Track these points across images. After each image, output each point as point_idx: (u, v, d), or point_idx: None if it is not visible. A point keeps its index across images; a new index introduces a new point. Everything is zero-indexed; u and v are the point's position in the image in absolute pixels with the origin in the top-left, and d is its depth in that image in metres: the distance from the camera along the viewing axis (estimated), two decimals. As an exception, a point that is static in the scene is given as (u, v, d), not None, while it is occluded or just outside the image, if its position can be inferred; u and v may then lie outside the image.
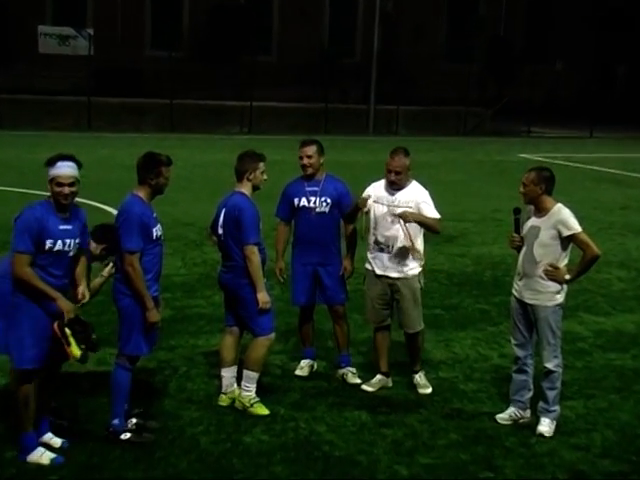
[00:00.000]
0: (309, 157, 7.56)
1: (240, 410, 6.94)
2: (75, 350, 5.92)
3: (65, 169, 5.83)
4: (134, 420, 6.50)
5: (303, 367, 7.83)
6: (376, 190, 7.31)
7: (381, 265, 7.26)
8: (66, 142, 24.10)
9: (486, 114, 38.01)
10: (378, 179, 7.51)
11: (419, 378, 7.55)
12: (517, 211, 6.90)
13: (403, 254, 7.22)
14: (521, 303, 6.84)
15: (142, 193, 6.40)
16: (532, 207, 6.82)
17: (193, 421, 6.75)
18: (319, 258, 7.54)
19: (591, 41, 48.80)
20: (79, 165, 5.93)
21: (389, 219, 7.16)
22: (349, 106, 37.04)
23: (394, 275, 7.23)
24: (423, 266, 7.38)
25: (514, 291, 6.93)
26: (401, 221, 7.10)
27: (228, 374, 7.07)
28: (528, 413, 7.02)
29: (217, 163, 23.81)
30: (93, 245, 6.66)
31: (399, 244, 7.18)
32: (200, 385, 7.48)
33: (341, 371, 7.69)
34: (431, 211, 7.27)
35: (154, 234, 6.34)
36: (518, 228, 6.88)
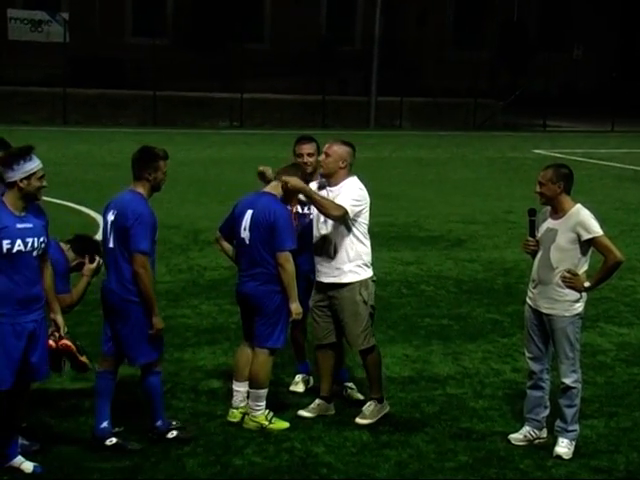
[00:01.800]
0: (310, 155, 7.59)
1: (230, 430, 6.95)
2: (87, 360, 6.27)
3: (39, 162, 5.91)
4: (114, 440, 6.55)
5: (298, 382, 7.85)
6: (318, 187, 7.25)
7: (318, 270, 7.15)
8: (39, 137, 24.06)
9: (498, 106, 38.07)
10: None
11: (367, 407, 7.19)
12: (532, 212, 6.91)
13: (337, 252, 6.98)
14: (536, 313, 6.85)
15: (142, 190, 6.51)
16: (549, 208, 6.83)
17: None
18: (312, 265, 7.54)
19: (613, 25, 48.88)
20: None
21: (322, 218, 7.09)
22: (348, 98, 37.10)
23: (327, 280, 7.11)
24: (366, 277, 7.05)
25: (528, 300, 6.93)
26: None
27: (242, 389, 7.15)
28: (544, 433, 7.03)
29: (205, 160, 23.81)
30: (71, 255, 6.74)
31: (329, 240, 6.99)
32: (186, 403, 7.48)
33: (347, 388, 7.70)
34: (340, 199, 6.90)
35: (156, 236, 6.52)
36: (533, 231, 6.89)
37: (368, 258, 7.13)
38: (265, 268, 6.83)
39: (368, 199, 7.15)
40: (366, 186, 7.19)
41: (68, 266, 6.73)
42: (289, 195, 6.95)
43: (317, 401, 7.32)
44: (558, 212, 6.75)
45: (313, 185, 7.20)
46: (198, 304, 10.16)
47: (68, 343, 6.33)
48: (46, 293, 6.04)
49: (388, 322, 9.77)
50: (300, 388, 7.81)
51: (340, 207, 6.88)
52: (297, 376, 7.90)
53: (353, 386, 7.75)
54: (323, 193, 7.07)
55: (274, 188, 7.02)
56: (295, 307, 6.87)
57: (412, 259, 13.00)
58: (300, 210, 7.55)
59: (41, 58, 34.13)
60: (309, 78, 36.12)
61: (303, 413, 7.26)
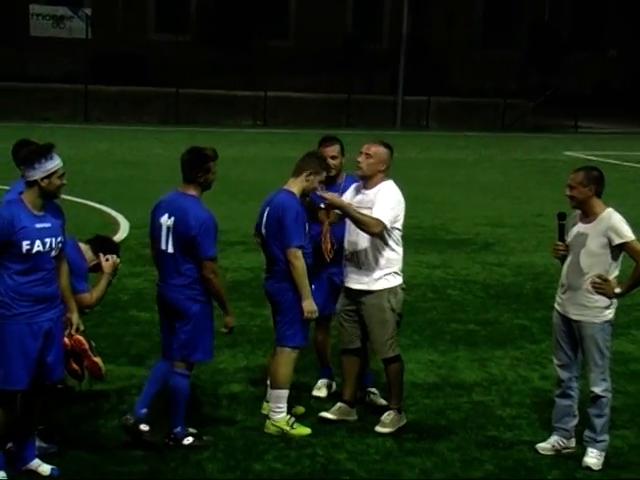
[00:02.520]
0: (334, 158, 7.58)
1: (251, 435, 6.95)
2: (102, 363, 6.26)
3: (59, 160, 5.95)
4: (146, 427, 6.67)
5: (320, 387, 7.85)
6: (354, 191, 7.24)
7: (347, 276, 7.19)
8: (60, 135, 24.21)
9: (527, 107, 37.92)
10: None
11: (386, 415, 7.18)
12: (562, 216, 6.88)
13: (368, 260, 7.00)
14: (565, 319, 6.81)
15: (194, 192, 6.61)
16: (579, 212, 6.79)
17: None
18: (334, 266, 7.55)
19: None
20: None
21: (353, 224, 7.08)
22: (374, 97, 37.06)
23: (355, 287, 7.12)
24: (396, 285, 7.07)
25: (557, 305, 6.90)
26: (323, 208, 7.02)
27: None
28: (573, 443, 6.99)
29: (227, 159, 23.76)
30: (90, 255, 6.79)
31: (360, 248, 7.00)
32: (206, 407, 7.49)
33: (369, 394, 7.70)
34: (375, 211, 6.90)
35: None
36: (563, 235, 6.85)
37: (399, 265, 7.13)
38: (278, 265, 6.96)
39: (404, 204, 7.15)
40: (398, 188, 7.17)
41: (86, 266, 6.77)
42: (327, 210, 7.05)
43: (339, 404, 7.32)
44: (589, 216, 6.71)
45: (348, 194, 7.17)
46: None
47: (80, 338, 6.32)
48: (62, 292, 6.08)
49: (413, 327, 9.75)
50: (323, 393, 7.81)
51: (379, 223, 6.87)
52: (320, 381, 7.90)
53: (376, 391, 7.74)
54: (359, 197, 7.06)
55: (293, 184, 7.03)
56: (307, 304, 6.88)
57: (438, 262, 12.97)
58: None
59: (63, 54, 34.33)
60: (334, 76, 36.11)
61: (325, 414, 7.26)
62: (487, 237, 14.94)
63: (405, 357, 8.66)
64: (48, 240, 5.90)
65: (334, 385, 7.92)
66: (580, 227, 6.76)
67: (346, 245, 7.14)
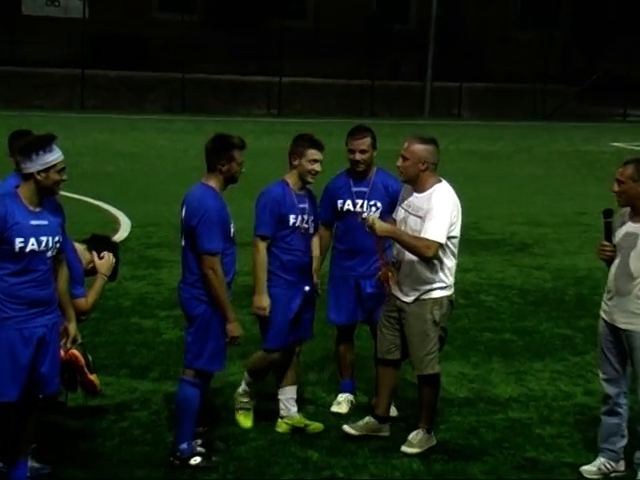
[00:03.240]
0: (363, 152, 7.56)
1: (264, 455, 6.96)
2: (98, 379, 6.27)
3: (60, 153, 5.96)
4: (199, 441, 6.75)
5: (341, 402, 7.84)
6: (404, 190, 7.21)
7: (393, 283, 7.21)
8: (54, 124, 24.31)
9: (570, 93, 37.81)
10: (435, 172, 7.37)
11: (414, 434, 7.18)
12: (608, 213, 6.84)
13: (416, 272, 7.01)
14: (612, 328, 6.79)
15: (214, 183, 6.65)
16: (628, 209, 6.76)
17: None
18: (363, 270, 7.55)
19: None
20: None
21: (402, 227, 7.05)
22: (401, 83, 37.06)
23: (401, 298, 7.11)
24: (444, 295, 7.05)
25: (603, 313, 6.87)
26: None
27: (282, 396, 7.49)
28: (622, 465, 6.96)
29: (238, 151, 23.88)
30: (87, 257, 6.78)
31: (408, 258, 7.02)
32: (215, 423, 7.49)
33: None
34: (427, 227, 6.89)
35: (231, 232, 6.66)
36: (610, 234, 6.82)
37: (451, 275, 7.12)
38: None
39: (459, 206, 7.14)
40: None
41: (82, 269, 6.78)
42: (376, 239, 7.02)
43: (367, 418, 7.31)
44: (639, 214, 6.68)
45: (403, 194, 7.18)
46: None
47: (76, 353, 6.32)
48: (60, 297, 6.09)
49: (443, 336, 9.75)
50: (343, 409, 7.80)
51: (430, 245, 6.84)
52: (340, 395, 7.89)
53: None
54: (410, 200, 7.04)
55: (288, 175, 7.26)
56: (256, 300, 7.13)
57: (470, 265, 12.95)
58: (352, 208, 7.57)
59: (57, 36, 34.46)
60: (357, 60, 36.12)
61: (348, 429, 7.25)
62: (525, 237, 14.91)
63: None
64: (44, 239, 5.90)
65: (355, 400, 7.91)
66: (629, 226, 6.72)
67: (394, 252, 7.16)
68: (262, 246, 7.14)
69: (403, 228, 7.05)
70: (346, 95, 34.84)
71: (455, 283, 6.23)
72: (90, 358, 6.58)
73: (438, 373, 7.21)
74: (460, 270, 12.67)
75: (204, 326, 6.58)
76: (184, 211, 6.66)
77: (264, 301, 7.14)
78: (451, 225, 7.03)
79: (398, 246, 7.07)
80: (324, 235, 7.72)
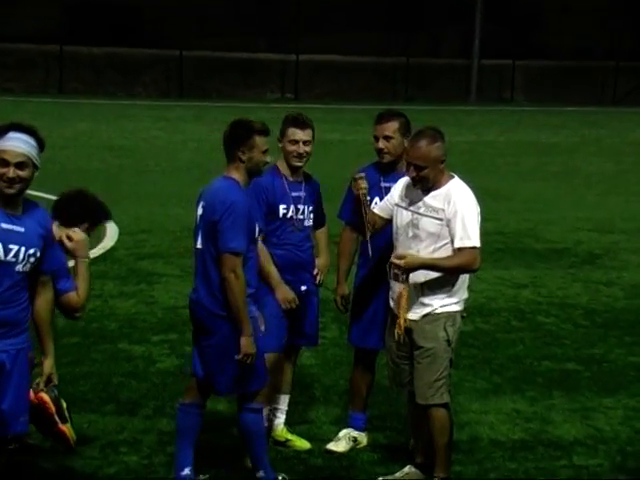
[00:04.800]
0: (387, 138, 7.55)
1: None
2: (71, 431, 6.22)
3: (14, 142, 5.88)
4: None
5: (340, 439, 7.81)
6: (402, 187, 7.18)
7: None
8: (27, 111, 24.42)
9: (647, 73, 37.75)
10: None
11: None
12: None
13: (428, 284, 6.97)
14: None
15: (236, 175, 6.72)
16: None
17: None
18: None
19: None
20: (39, 143, 6.00)
21: (410, 232, 7.01)
22: (441, 60, 37.08)
23: (409, 316, 7.09)
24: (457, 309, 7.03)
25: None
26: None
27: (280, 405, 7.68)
28: None
29: (246, 143, 23.91)
30: (57, 233, 6.52)
31: (416, 273, 6.92)
32: (221, 461, 7.50)
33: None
34: (461, 234, 6.87)
35: (256, 232, 6.73)
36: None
37: (465, 288, 7.10)
38: None
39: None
40: (463, 180, 7.15)
41: (65, 257, 6.56)
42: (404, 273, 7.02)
43: (408, 469, 7.30)
44: None
45: (399, 192, 7.16)
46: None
47: (45, 398, 6.20)
48: (38, 326, 6.07)
49: (493, 365, 9.72)
50: (340, 447, 7.77)
51: (475, 254, 6.85)
52: (343, 431, 7.87)
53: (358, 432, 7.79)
54: (425, 199, 7.00)
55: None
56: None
57: (526, 280, 12.92)
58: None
59: (32, 7, 34.66)
60: (388, 34, 36.15)
61: None
62: (592, 247, 14.85)
63: (482, 405, 8.59)
64: (14, 247, 5.89)
65: (364, 439, 7.87)
66: None
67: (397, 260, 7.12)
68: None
69: (411, 233, 7.01)
70: (376, 76, 34.86)
71: (507, 301, 6.23)
72: (64, 405, 6.49)
73: (447, 403, 7.18)
74: (513, 286, 12.77)
75: (229, 344, 6.65)
76: (201, 207, 6.73)
77: (288, 293, 7.34)
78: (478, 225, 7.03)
79: (402, 253, 7.02)
80: (348, 238, 7.70)
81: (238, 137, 6.73)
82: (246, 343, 6.63)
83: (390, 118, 7.60)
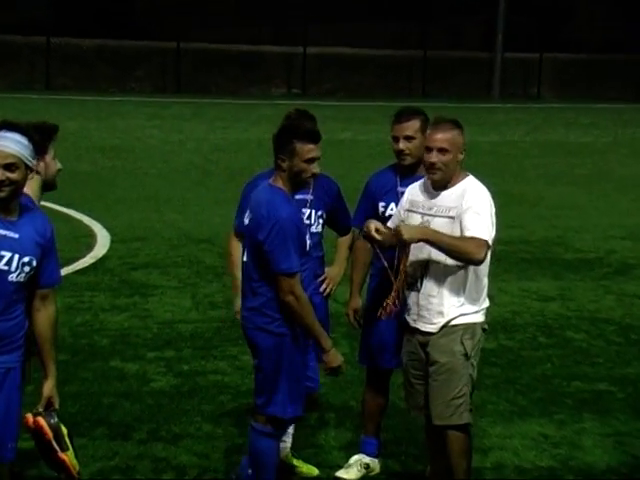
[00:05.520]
0: (408, 139, 7.53)
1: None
2: (73, 460, 6.19)
3: (3, 142, 5.89)
4: None
5: (351, 466, 7.81)
6: (413, 191, 7.18)
7: (412, 312, 7.12)
8: (11, 107, 24.45)
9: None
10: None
11: None
12: None
13: (444, 289, 6.95)
14: None
15: (281, 184, 6.66)
16: None
17: None
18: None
19: None
20: (34, 142, 6.00)
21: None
22: (461, 53, 37.07)
23: (425, 329, 7.08)
24: (476, 320, 6.95)
25: None
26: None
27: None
28: None
29: (250, 143, 23.91)
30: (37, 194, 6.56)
31: (432, 272, 6.96)
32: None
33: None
34: (472, 224, 6.86)
35: (307, 244, 6.68)
36: None
37: (484, 296, 7.07)
38: None
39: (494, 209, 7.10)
40: (484, 185, 7.11)
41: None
42: (403, 252, 7.01)
43: None
44: None
45: (410, 197, 7.15)
46: (238, 354, 10.19)
47: (42, 423, 6.17)
48: (40, 344, 6.07)
49: (517, 385, 9.72)
50: (351, 475, 7.77)
51: (480, 244, 6.78)
52: (354, 457, 7.87)
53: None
54: (435, 199, 6.99)
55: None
56: None
57: (554, 292, 12.91)
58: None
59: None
60: (404, 25, 36.18)
61: None
62: (626, 256, 14.83)
63: (506, 429, 8.59)
64: (7, 255, 5.90)
65: (377, 466, 7.87)
66: None
67: (410, 269, 7.11)
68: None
69: (418, 246, 7.01)
70: (391, 70, 34.89)
71: (533, 316, 6.21)
72: (64, 431, 6.45)
73: (469, 424, 7.13)
74: (539, 299, 12.75)
75: (274, 363, 6.67)
76: (248, 217, 6.72)
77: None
78: (494, 224, 6.97)
79: (416, 261, 7.00)
80: (362, 247, 7.69)
81: (277, 142, 6.64)
82: (330, 358, 6.70)
83: (411, 117, 7.53)
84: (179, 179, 18.95)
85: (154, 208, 16.05)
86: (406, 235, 6.78)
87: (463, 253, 6.81)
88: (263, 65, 34.22)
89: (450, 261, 6.95)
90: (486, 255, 6.83)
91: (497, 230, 7.27)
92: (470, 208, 6.90)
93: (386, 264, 7.05)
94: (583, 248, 15.30)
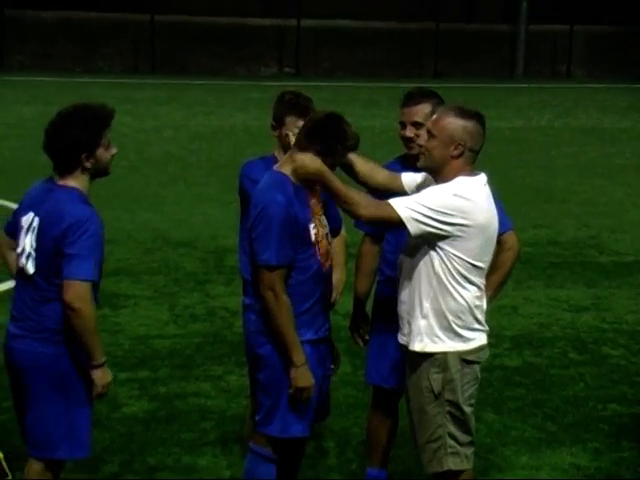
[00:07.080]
0: (417, 125, 7.52)
1: None
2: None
3: None
4: None
5: None
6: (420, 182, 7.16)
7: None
8: (-40, 92, 24.45)
9: None
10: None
11: None
12: None
13: (412, 301, 6.70)
14: None
15: (287, 169, 6.73)
16: None
17: None
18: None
19: None
20: None
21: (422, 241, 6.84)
22: (479, 26, 37.12)
23: (401, 341, 6.83)
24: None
25: None
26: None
27: None
28: None
29: (235, 131, 23.99)
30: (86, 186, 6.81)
31: (404, 276, 6.74)
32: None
33: None
34: (409, 198, 6.59)
35: (311, 234, 6.64)
36: None
37: (468, 319, 6.75)
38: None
39: (479, 221, 6.70)
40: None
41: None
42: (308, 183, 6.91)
43: None
44: None
45: (414, 183, 7.12)
46: (223, 374, 10.22)
47: None
48: None
49: (545, 409, 9.73)
50: None
51: (380, 205, 6.57)
52: None
53: None
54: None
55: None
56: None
57: (587, 301, 12.93)
58: None
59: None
60: (413, -7, 36.26)
61: None
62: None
63: (533, 459, 8.62)
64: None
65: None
66: None
67: (394, 269, 7.10)
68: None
69: (422, 241, 6.86)
70: (398, 46, 34.93)
71: (563, 328, 6.11)
72: (0, 456, 6.55)
73: (456, 473, 6.91)
74: (570, 308, 12.75)
75: (275, 375, 6.69)
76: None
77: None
78: (441, 221, 6.58)
79: (400, 257, 6.89)
80: (369, 251, 7.68)
81: (314, 134, 6.71)
82: (298, 375, 6.60)
83: (421, 99, 7.47)
84: (154, 173, 18.96)
85: (125, 206, 16.07)
86: (301, 170, 6.67)
87: (348, 203, 6.57)
88: (250, 41, 34.23)
89: (416, 270, 6.72)
90: (371, 215, 6.58)
91: (521, 229, 7.26)
92: (427, 189, 6.70)
93: None
94: (620, 250, 15.32)
